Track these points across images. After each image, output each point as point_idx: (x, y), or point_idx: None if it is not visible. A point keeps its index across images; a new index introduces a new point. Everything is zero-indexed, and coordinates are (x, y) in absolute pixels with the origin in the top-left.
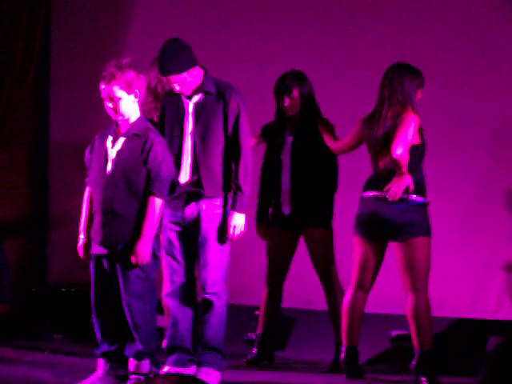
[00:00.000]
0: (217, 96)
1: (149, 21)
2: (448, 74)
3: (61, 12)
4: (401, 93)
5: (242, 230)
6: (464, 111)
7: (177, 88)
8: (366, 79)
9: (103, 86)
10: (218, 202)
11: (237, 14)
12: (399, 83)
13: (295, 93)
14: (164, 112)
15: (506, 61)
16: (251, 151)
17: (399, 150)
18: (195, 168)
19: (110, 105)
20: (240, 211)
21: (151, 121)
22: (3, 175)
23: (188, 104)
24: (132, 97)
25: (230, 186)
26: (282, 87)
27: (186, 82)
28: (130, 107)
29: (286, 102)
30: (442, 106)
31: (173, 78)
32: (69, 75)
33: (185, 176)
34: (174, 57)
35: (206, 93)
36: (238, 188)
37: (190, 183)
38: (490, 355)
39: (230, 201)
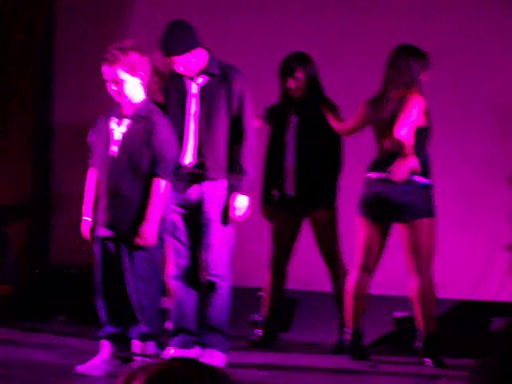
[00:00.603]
0: (221, 78)
1: (152, 3)
2: (454, 57)
3: None
4: (406, 74)
5: (246, 211)
6: (469, 94)
7: (180, 69)
8: (370, 60)
9: (106, 68)
10: (222, 184)
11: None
12: (404, 64)
13: (299, 74)
14: (168, 93)
15: None
16: (255, 133)
17: (403, 132)
18: (199, 150)
19: (114, 87)
20: (243, 193)
21: (156, 102)
22: (6, 159)
23: (191, 85)
24: (136, 79)
25: (234, 168)
26: (286, 68)
27: (190, 63)
28: (134, 89)
29: (291, 83)
30: (447, 89)
31: (176, 58)
32: (72, 58)
33: (189, 158)
34: (177, 37)
35: (210, 74)
36: (242, 170)
37: (194, 165)
38: (495, 336)
39: (233, 183)
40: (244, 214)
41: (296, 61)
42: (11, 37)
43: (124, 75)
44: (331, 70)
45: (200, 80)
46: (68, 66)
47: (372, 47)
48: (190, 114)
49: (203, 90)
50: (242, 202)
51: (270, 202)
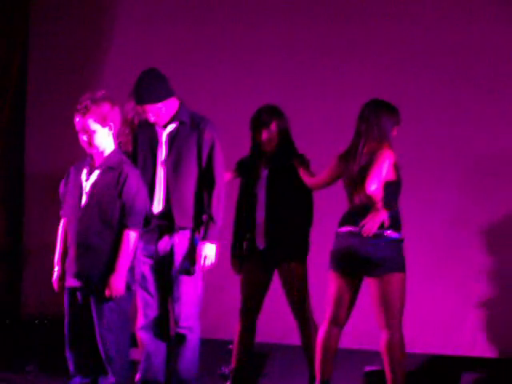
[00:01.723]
0: (191, 126)
1: (125, 53)
2: (423, 111)
3: (38, 43)
4: (377, 129)
5: (213, 260)
6: (439, 149)
7: (152, 118)
8: (341, 115)
9: (78, 119)
10: (189, 233)
11: (215, 46)
12: (376, 119)
13: (273, 126)
14: (137, 142)
15: (482, 98)
16: (224, 182)
17: (373, 186)
18: (167, 197)
19: (85, 138)
20: (211, 241)
21: (127, 153)
22: None
23: (162, 133)
24: (107, 129)
25: (202, 216)
26: (259, 121)
27: (161, 113)
28: (104, 140)
29: (264, 135)
30: (417, 144)
31: (148, 107)
32: (44, 107)
33: (158, 206)
34: (150, 86)
35: (180, 122)
36: (211, 218)
37: (162, 215)
38: None
39: (201, 231)
40: (211, 263)
41: (270, 113)
42: None
43: (95, 126)
44: (302, 121)
45: (170, 128)
46: (40, 116)
47: (343, 102)
48: (158, 162)
49: (172, 137)
50: (209, 251)
51: (239, 255)
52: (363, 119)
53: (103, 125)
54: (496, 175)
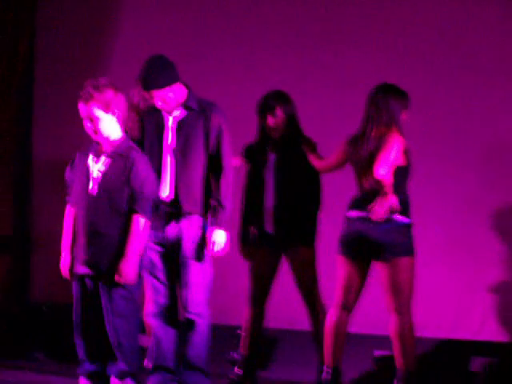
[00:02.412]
0: (199, 112)
1: (132, 39)
2: (434, 95)
3: (44, 30)
4: (386, 113)
5: (223, 246)
6: (450, 133)
7: (159, 104)
8: (350, 98)
9: (81, 106)
10: (198, 219)
11: (220, 33)
12: (384, 104)
13: (279, 112)
14: (144, 128)
15: (494, 84)
16: (232, 168)
17: (382, 171)
18: (176, 183)
19: (89, 124)
20: (221, 227)
21: (134, 139)
22: None
23: (168, 119)
24: (110, 115)
25: (210, 202)
26: (265, 106)
27: (168, 98)
28: (109, 126)
29: (270, 121)
30: (428, 128)
31: (155, 92)
32: (52, 93)
33: (165, 192)
34: (157, 72)
35: (188, 108)
36: (219, 204)
37: (170, 201)
38: (475, 376)
39: (210, 217)
40: (222, 249)
41: (275, 99)
42: None
43: (99, 112)
44: (310, 106)
45: (177, 113)
46: (47, 103)
47: (353, 84)
48: (166, 148)
49: (180, 123)
50: (219, 236)
51: (248, 241)
52: (372, 103)
53: (106, 111)
54: (509, 162)
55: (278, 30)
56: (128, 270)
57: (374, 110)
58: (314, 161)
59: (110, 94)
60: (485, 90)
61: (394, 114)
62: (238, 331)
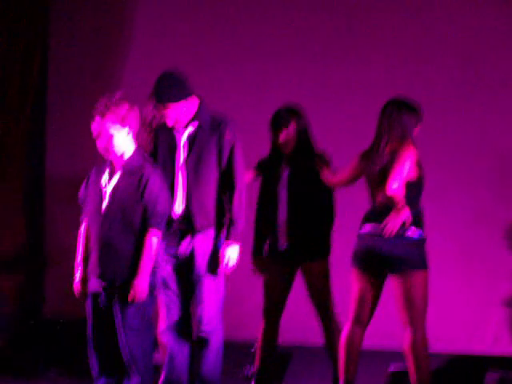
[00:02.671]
0: (211, 127)
1: (147, 52)
2: (447, 108)
3: (58, 46)
4: (399, 128)
5: (236, 262)
6: (463, 147)
7: (170, 122)
8: (363, 113)
9: (95, 122)
10: (211, 235)
11: (233, 47)
12: (397, 118)
13: (292, 126)
14: (157, 144)
15: (507, 97)
16: (245, 183)
17: (394, 185)
18: (188, 200)
19: (101, 143)
20: (234, 243)
21: (148, 154)
22: None
23: (181, 135)
24: (126, 130)
25: (223, 219)
26: (278, 121)
27: (181, 112)
28: (123, 142)
29: (283, 135)
30: (440, 141)
31: (169, 105)
32: (65, 108)
33: (178, 208)
34: (170, 85)
35: (201, 124)
36: (232, 219)
37: (183, 218)
38: None
39: (223, 233)
40: (234, 265)
41: (289, 113)
42: (5, 86)
43: (114, 127)
44: (323, 120)
45: (189, 129)
46: (60, 119)
47: (365, 100)
48: (178, 164)
49: (192, 138)
50: (232, 252)
51: (261, 255)
52: (385, 117)
53: (122, 125)
54: None
55: (291, 43)
56: (141, 286)
57: (386, 125)
58: (327, 176)
59: (125, 108)
60: (500, 102)
61: (406, 128)
62: (252, 350)
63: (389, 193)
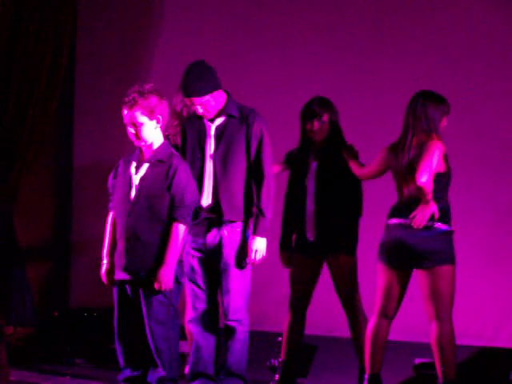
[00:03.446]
0: (240, 120)
1: (174, 45)
2: (475, 100)
3: (86, 37)
4: (425, 121)
5: (264, 254)
6: (490, 138)
7: (200, 111)
8: (391, 106)
9: (125, 112)
10: (239, 227)
11: (261, 39)
12: (423, 111)
13: (325, 118)
14: (186, 135)
15: None
16: (273, 176)
17: (424, 178)
18: (216, 191)
19: (132, 130)
20: (262, 235)
21: (176, 146)
22: (27, 199)
23: (210, 127)
24: (154, 122)
25: (251, 210)
26: (311, 112)
27: (209, 105)
28: (152, 133)
29: (316, 126)
30: (467, 133)
31: (196, 99)
32: (93, 99)
33: (207, 199)
34: (198, 79)
35: (229, 116)
36: (260, 212)
37: (211, 208)
38: None
39: (251, 225)
40: (262, 257)
41: (321, 105)
42: (34, 78)
43: (142, 118)
44: (352, 113)
45: (218, 121)
46: (88, 110)
47: (393, 92)
48: (207, 156)
49: (220, 130)
50: (260, 244)
51: (288, 248)
52: (410, 111)
53: (151, 117)
54: None
55: (318, 38)
56: (166, 276)
57: (413, 118)
58: (355, 168)
59: (154, 100)
60: None
61: (433, 121)
62: (279, 339)
63: (418, 184)
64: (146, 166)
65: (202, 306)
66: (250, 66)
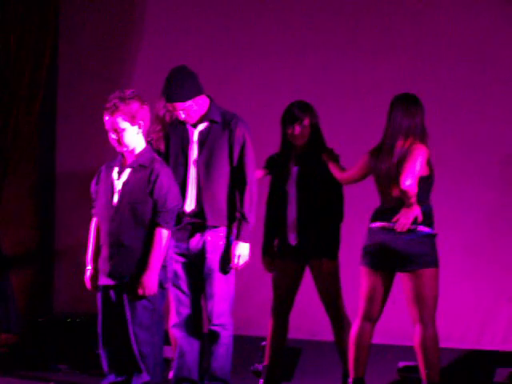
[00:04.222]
0: (222, 125)
1: (156, 50)
2: (456, 103)
3: (67, 43)
4: (407, 124)
5: (247, 259)
6: (473, 141)
7: (182, 116)
8: (372, 109)
9: (107, 118)
10: (222, 232)
11: (242, 43)
12: (404, 115)
13: (306, 122)
14: (169, 141)
15: None
16: (256, 181)
17: (408, 182)
18: (199, 196)
19: (114, 136)
20: (245, 240)
21: (158, 151)
22: (9, 206)
23: (193, 132)
24: (136, 128)
25: (234, 215)
26: (292, 116)
27: (192, 110)
28: (134, 138)
29: (297, 130)
30: (450, 137)
31: (178, 105)
32: (75, 106)
33: (190, 205)
34: (180, 84)
35: (212, 121)
36: (243, 217)
37: (194, 214)
38: None
39: (234, 230)
40: (245, 262)
41: (302, 109)
42: (17, 79)
43: (124, 124)
44: (332, 117)
45: (201, 126)
46: (70, 114)
47: (374, 94)
48: (190, 161)
49: (203, 136)
50: (242, 250)
51: (271, 252)
52: (392, 114)
53: (132, 123)
54: None
55: (299, 40)
56: (149, 281)
57: (394, 121)
58: (336, 172)
59: (135, 105)
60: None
61: (415, 124)
62: (262, 343)
63: (402, 187)
64: (128, 171)
65: (185, 310)
66: (231, 70)
